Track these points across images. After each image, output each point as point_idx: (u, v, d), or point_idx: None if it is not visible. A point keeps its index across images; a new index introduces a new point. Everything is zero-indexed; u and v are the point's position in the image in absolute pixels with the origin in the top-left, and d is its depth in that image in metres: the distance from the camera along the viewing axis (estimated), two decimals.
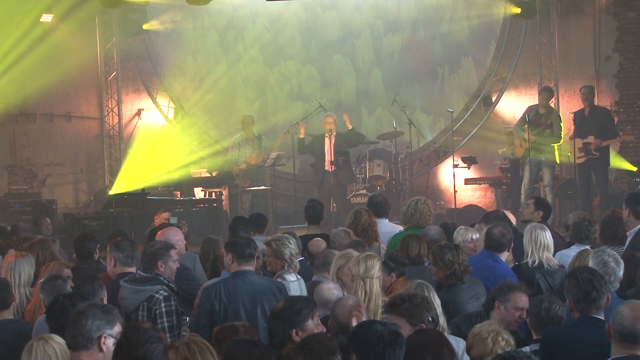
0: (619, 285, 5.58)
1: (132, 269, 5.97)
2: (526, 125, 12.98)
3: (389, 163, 14.11)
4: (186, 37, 15.77)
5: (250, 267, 5.75)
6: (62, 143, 15.20)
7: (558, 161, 13.62)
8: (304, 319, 4.54)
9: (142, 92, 15.45)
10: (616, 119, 14.51)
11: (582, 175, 13.32)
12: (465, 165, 14.34)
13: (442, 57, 16.14)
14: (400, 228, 7.96)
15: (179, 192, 14.20)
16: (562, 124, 13.35)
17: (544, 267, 6.39)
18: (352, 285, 5.44)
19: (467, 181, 14.65)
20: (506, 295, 5.23)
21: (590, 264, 5.48)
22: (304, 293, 5.91)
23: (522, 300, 5.24)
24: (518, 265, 6.59)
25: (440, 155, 15.95)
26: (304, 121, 13.66)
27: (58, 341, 4.28)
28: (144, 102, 15.47)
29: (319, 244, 7.14)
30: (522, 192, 13.19)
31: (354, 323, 4.67)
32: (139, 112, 15.41)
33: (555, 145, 13.32)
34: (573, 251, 6.63)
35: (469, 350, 4.52)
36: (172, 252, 5.79)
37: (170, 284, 5.62)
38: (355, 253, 5.87)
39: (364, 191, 13.24)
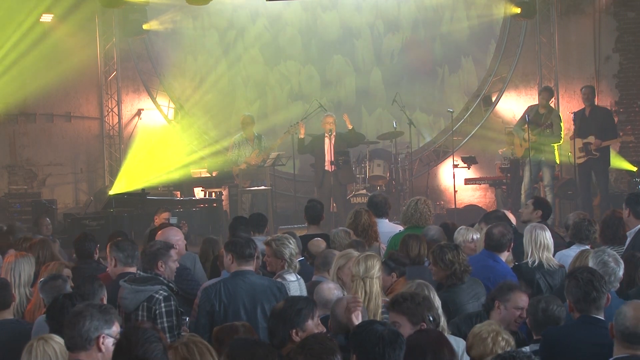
0: (619, 285, 5.58)
1: (133, 269, 5.97)
2: (526, 125, 12.97)
3: (389, 163, 14.11)
4: (186, 37, 15.77)
5: (250, 267, 5.75)
6: (62, 143, 15.20)
7: (558, 161, 13.62)
8: (304, 319, 4.53)
9: (142, 92, 15.45)
10: (616, 119, 14.51)
11: (582, 175, 13.32)
12: (465, 165, 14.34)
13: (442, 57, 16.14)
14: (400, 228, 7.96)
15: (179, 192, 14.20)
16: (562, 124, 13.35)
17: (544, 267, 6.38)
18: (352, 285, 5.44)
19: (467, 181, 14.65)
20: (506, 295, 5.23)
21: (590, 264, 5.48)
22: (304, 293, 5.91)
23: (522, 299, 5.24)
24: (518, 265, 6.59)
25: (440, 155, 15.95)
26: (304, 121, 13.66)
27: (58, 341, 4.28)
28: (144, 102, 15.47)
29: (319, 244, 7.14)
30: (522, 192, 13.19)
31: (354, 318, 4.68)
32: (139, 112, 15.41)
33: (555, 145, 13.32)
34: (573, 251, 6.63)
35: (469, 350, 4.53)
36: (172, 252, 5.79)
37: (170, 284, 5.62)
38: (355, 253, 5.86)
39: (364, 191, 13.24)
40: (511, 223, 7.40)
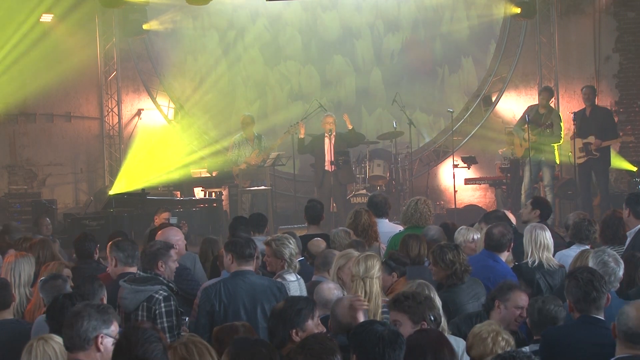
0: (619, 285, 5.58)
1: (133, 269, 5.97)
2: (526, 125, 12.97)
3: (389, 163, 14.11)
4: (186, 37, 15.77)
5: (250, 267, 5.75)
6: (62, 143, 15.20)
7: (558, 161, 13.62)
8: (304, 319, 4.54)
9: (142, 92, 15.45)
10: (616, 119, 14.51)
11: (582, 175, 13.32)
12: (465, 165, 14.34)
13: (442, 57, 16.14)
14: (400, 228, 7.96)
15: (179, 192, 14.20)
16: (562, 124, 13.35)
17: (544, 267, 6.38)
18: (352, 285, 5.44)
19: (467, 181, 14.65)
20: (506, 295, 5.23)
21: (590, 264, 5.48)
22: (304, 293, 5.91)
23: (522, 299, 5.24)
24: (518, 265, 6.59)
25: (440, 155, 15.95)
26: (304, 121, 13.66)
27: (58, 341, 4.28)
28: (144, 102, 15.46)
29: (319, 244, 7.14)
30: (523, 192, 13.19)
31: (359, 316, 4.69)
32: (139, 112, 15.40)
33: (555, 145, 13.32)
34: (573, 251, 6.63)
35: (469, 350, 4.52)
36: (172, 252, 5.79)
37: (170, 284, 5.62)
38: (355, 253, 5.86)
39: (364, 191, 13.24)
40: (511, 223, 7.40)
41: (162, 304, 5.32)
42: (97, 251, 7.25)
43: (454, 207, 14.16)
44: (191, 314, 6.01)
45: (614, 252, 5.69)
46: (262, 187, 13.33)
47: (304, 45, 16.02)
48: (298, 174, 14.65)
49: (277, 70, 15.98)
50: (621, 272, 5.55)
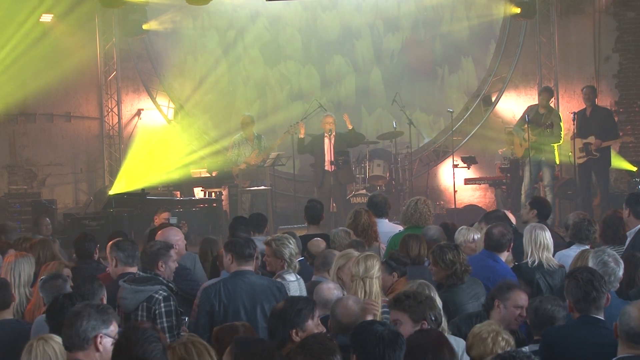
0: (618, 285, 5.57)
1: (134, 269, 5.97)
2: (526, 125, 12.97)
3: (389, 163, 14.11)
4: (186, 37, 15.77)
5: (249, 267, 5.75)
6: (62, 143, 15.20)
7: (558, 161, 13.62)
8: (304, 319, 4.54)
9: (142, 92, 15.45)
10: (616, 119, 14.50)
11: (582, 175, 13.32)
12: (465, 165, 14.34)
13: (442, 57, 16.14)
14: (400, 228, 7.96)
15: (178, 192, 14.20)
16: (562, 124, 13.35)
17: (543, 267, 6.38)
18: (352, 285, 5.44)
19: (467, 181, 14.65)
20: (506, 294, 5.23)
21: (590, 264, 5.48)
22: (304, 293, 5.91)
23: (522, 298, 5.24)
24: (518, 265, 6.59)
25: (440, 155, 15.95)
26: (304, 121, 13.66)
27: (58, 341, 4.28)
28: (144, 102, 15.46)
29: (319, 244, 7.14)
30: (523, 192, 13.19)
31: (369, 318, 4.70)
32: (138, 112, 15.40)
33: (555, 145, 13.32)
34: (573, 251, 6.63)
35: (469, 350, 4.52)
36: (172, 252, 5.80)
37: (170, 284, 5.62)
38: (355, 253, 5.86)
39: (364, 191, 13.24)
40: (511, 223, 7.40)
41: (162, 304, 5.32)
42: (97, 251, 7.26)
43: (453, 207, 14.16)
44: (191, 314, 6.01)
45: (614, 252, 5.69)
46: (262, 187, 13.33)
47: (304, 45, 16.02)
48: (298, 174, 14.65)
49: (277, 70, 15.98)
50: (621, 272, 5.55)
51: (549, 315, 4.93)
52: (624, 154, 14.65)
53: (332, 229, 8.77)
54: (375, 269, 5.44)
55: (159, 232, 6.67)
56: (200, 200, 13.73)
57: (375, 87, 16.10)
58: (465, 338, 4.67)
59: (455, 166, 14.07)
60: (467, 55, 16.13)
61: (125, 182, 14.24)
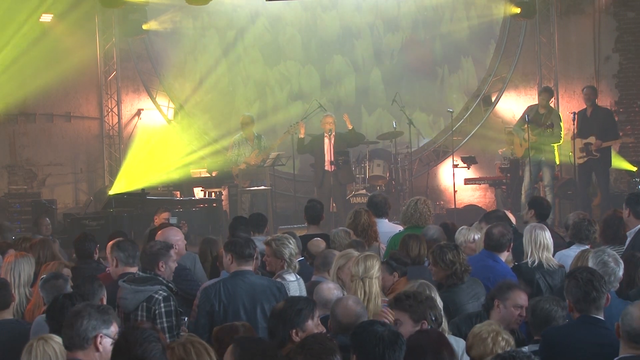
0: (618, 285, 5.57)
1: (134, 269, 5.97)
2: (526, 125, 12.97)
3: (389, 163, 14.11)
4: (186, 37, 15.77)
5: (249, 267, 5.75)
6: (62, 143, 15.20)
7: (558, 161, 13.62)
8: (304, 319, 4.54)
9: (142, 92, 15.44)
10: (616, 119, 14.50)
11: (582, 175, 13.32)
12: (465, 165, 14.33)
13: (442, 57, 16.14)
14: (400, 228, 7.96)
15: (178, 192, 14.19)
16: (562, 124, 13.36)
17: (543, 267, 6.38)
18: (352, 285, 5.43)
19: (467, 181, 14.65)
20: (505, 294, 5.23)
21: (590, 264, 5.48)
22: (304, 293, 5.91)
23: (521, 298, 5.24)
24: (518, 265, 6.59)
25: (440, 155, 15.95)
26: (304, 121, 13.66)
27: (58, 341, 4.28)
28: (144, 102, 15.46)
29: (319, 244, 7.14)
30: (523, 192, 13.18)
31: None
32: (138, 112, 15.40)
33: (555, 145, 13.32)
34: (573, 251, 6.62)
35: (469, 350, 4.52)
36: (172, 252, 5.80)
37: (170, 284, 5.62)
38: (355, 253, 5.86)
39: (364, 191, 13.25)
40: (511, 223, 7.40)
41: (162, 304, 5.32)
42: (97, 251, 7.26)
43: (453, 207, 14.16)
44: (191, 314, 6.01)
45: (614, 252, 5.69)
46: (262, 187, 13.34)
47: (304, 45, 16.02)
48: (298, 174, 14.64)
49: (277, 70, 15.98)
50: (621, 272, 5.55)
51: (547, 314, 4.93)
52: (624, 154, 14.65)
53: (332, 229, 8.77)
54: (375, 269, 5.43)
55: (159, 232, 6.67)
56: (200, 200, 13.73)
57: (375, 87, 16.10)
58: (465, 338, 4.67)
59: (455, 166, 14.07)
60: (467, 55, 16.13)
61: (125, 182, 14.24)
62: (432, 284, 5.32)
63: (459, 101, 16.09)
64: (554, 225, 11.41)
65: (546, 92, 13.60)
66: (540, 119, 13.16)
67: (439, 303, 4.95)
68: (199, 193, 14.18)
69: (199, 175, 14.13)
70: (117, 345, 3.83)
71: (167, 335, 5.16)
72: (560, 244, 7.16)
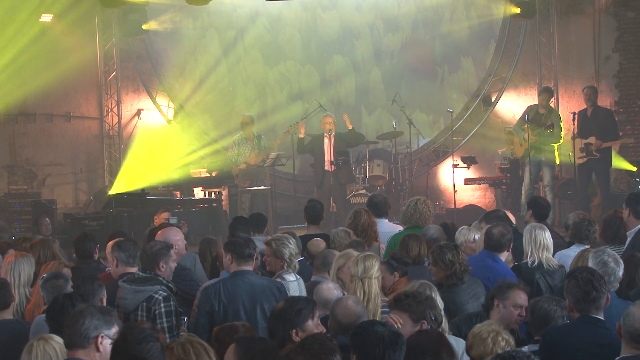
0: (618, 285, 5.57)
1: (135, 269, 5.96)
2: (526, 125, 12.97)
3: (389, 163, 14.11)
4: (186, 37, 15.76)
5: (249, 267, 5.75)
6: (62, 143, 15.19)
7: (558, 161, 13.62)
8: (304, 319, 4.54)
9: (142, 92, 15.44)
10: (617, 119, 14.50)
11: (583, 175, 13.32)
12: (465, 165, 14.33)
13: (442, 57, 16.14)
14: (400, 228, 7.96)
15: (178, 192, 14.19)
16: (562, 124, 13.36)
17: (543, 267, 6.38)
18: (351, 285, 5.43)
19: (467, 181, 14.64)
20: (505, 293, 5.23)
21: (590, 264, 5.48)
22: (304, 293, 5.91)
23: (521, 297, 5.24)
24: (518, 265, 6.59)
25: (440, 155, 15.95)
26: (304, 121, 13.66)
27: (58, 341, 4.29)
28: (144, 102, 15.46)
29: (319, 244, 7.14)
30: (523, 192, 13.19)
31: None
32: (138, 112, 15.39)
33: (555, 145, 13.32)
34: (573, 251, 6.62)
35: (469, 350, 4.52)
36: (172, 252, 5.79)
37: (169, 284, 5.61)
38: (355, 253, 5.86)
39: (364, 191, 13.24)
40: (511, 223, 7.40)
41: (162, 304, 5.32)
42: (97, 251, 7.26)
43: (453, 207, 14.16)
44: (191, 314, 6.01)
45: (614, 252, 5.69)
46: (262, 187, 13.33)
47: (304, 45, 16.02)
48: (298, 174, 14.64)
49: (277, 70, 15.98)
50: (621, 272, 5.55)
51: (546, 314, 4.92)
52: (624, 154, 14.64)
53: (332, 229, 8.77)
54: (375, 269, 5.43)
55: (159, 232, 6.66)
56: (200, 200, 13.73)
57: (375, 87, 16.10)
58: (465, 338, 4.67)
59: (455, 166, 14.06)
60: (467, 55, 16.14)
61: (125, 182, 14.23)
62: (432, 284, 5.32)
63: (459, 101, 16.09)
64: (554, 225, 11.41)
65: (546, 92, 13.60)
66: (540, 119, 13.16)
67: (440, 303, 4.95)
68: (199, 193, 14.18)
69: (199, 175, 14.13)
70: (115, 344, 3.83)
71: (167, 335, 5.16)
72: (560, 244, 7.16)
